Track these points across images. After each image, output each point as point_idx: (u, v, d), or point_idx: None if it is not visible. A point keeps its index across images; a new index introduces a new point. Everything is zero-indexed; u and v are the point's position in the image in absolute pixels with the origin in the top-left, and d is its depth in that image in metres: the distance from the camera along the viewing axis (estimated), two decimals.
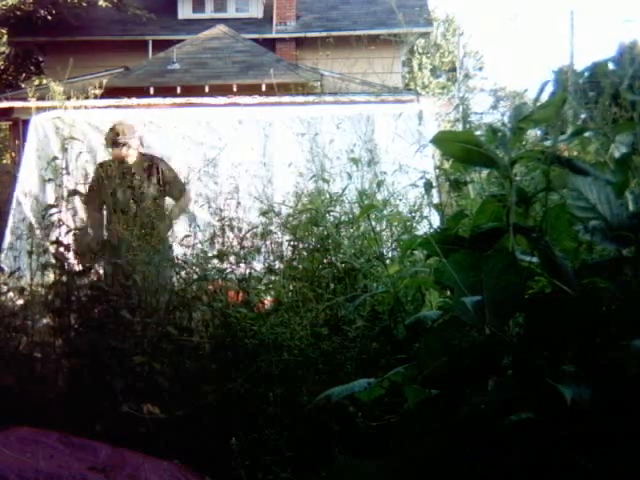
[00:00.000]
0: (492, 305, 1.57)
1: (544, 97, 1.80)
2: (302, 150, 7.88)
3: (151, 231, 3.43)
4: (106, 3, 13.31)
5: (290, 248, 3.13)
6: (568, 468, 1.46)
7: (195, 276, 3.20)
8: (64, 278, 3.27)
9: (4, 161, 13.37)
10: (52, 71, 13.82)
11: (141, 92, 10.50)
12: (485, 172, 2.42)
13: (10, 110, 10.42)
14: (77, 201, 3.69)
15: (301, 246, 3.05)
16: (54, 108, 8.80)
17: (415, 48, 22.96)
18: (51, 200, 9.45)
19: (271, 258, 3.18)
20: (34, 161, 9.17)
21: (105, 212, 4.37)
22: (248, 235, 3.27)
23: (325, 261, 2.92)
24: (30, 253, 3.48)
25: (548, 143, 1.71)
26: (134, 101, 9.82)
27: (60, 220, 3.48)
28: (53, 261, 3.37)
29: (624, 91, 1.71)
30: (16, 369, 3.24)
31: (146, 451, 2.80)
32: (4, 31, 14.51)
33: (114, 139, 5.41)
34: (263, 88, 10.81)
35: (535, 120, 1.68)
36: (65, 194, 3.55)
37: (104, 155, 8.66)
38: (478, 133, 2.03)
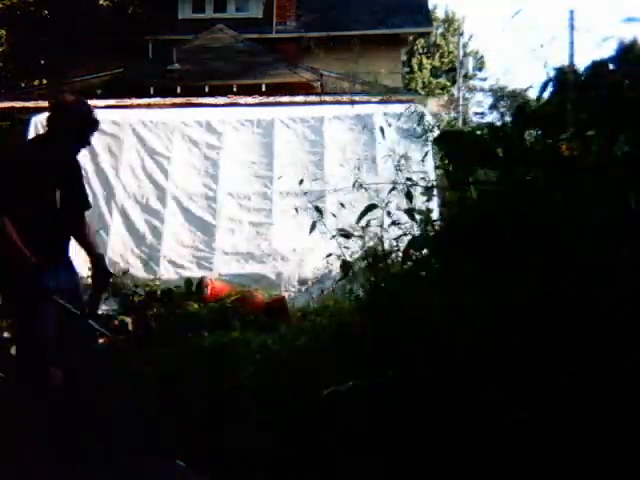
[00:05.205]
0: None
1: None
2: (302, 150, 7.85)
3: None
4: (106, 2, 13.29)
5: None
6: (568, 466, 1.46)
7: None
8: None
9: None
10: (52, 71, 13.82)
11: (141, 92, 10.48)
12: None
13: (10, 110, 10.39)
14: None
15: None
16: None
17: (415, 48, 22.96)
18: None
19: None
20: None
21: None
22: None
23: None
24: None
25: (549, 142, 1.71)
26: (134, 101, 9.80)
27: None
28: None
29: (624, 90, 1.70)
30: None
31: (146, 451, 2.80)
32: (4, 31, 14.49)
33: None
34: (263, 88, 10.79)
35: (536, 119, 1.68)
36: None
37: (105, 155, 8.67)
38: (478, 133, 2.02)
